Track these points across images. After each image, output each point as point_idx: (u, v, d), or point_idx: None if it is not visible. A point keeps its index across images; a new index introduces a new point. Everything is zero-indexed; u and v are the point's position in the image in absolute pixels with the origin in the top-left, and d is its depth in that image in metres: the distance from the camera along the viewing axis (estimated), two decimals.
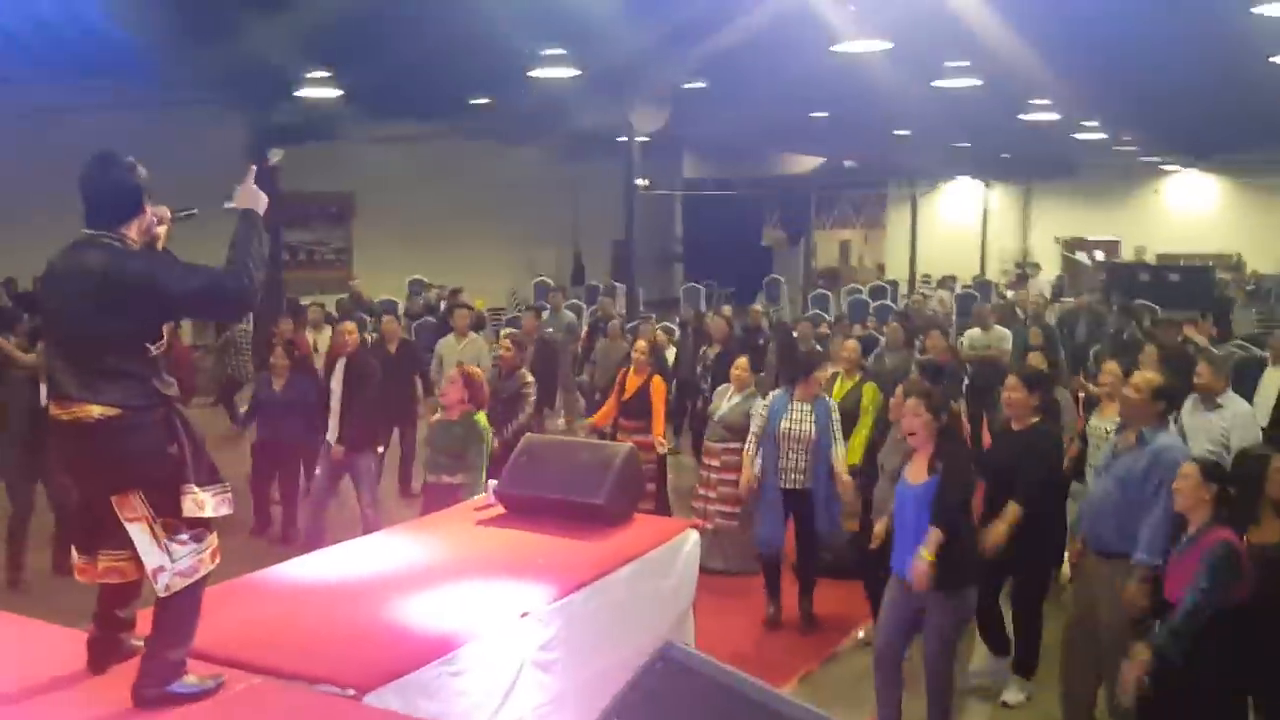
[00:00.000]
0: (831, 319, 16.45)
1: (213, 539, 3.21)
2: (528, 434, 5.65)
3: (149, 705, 3.08)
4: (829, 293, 19.78)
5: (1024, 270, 31.69)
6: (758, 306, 13.35)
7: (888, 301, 18.40)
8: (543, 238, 26.27)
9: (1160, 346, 8.10)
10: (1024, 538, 5.18)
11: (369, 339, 10.43)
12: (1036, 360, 7.03)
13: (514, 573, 4.30)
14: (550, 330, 11.81)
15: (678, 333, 12.09)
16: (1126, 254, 33.64)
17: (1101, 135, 23.10)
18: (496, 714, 3.73)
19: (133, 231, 3.16)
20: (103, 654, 3.32)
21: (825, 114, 18.62)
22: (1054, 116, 18.76)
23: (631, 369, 7.63)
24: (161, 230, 3.32)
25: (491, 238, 23.61)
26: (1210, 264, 30.50)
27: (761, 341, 10.56)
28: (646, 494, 7.02)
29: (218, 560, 3.23)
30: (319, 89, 13.93)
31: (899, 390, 5.48)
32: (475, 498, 5.49)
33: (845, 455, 6.40)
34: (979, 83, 14.43)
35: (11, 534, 6.83)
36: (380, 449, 7.32)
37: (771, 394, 6.66)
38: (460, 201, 22.14)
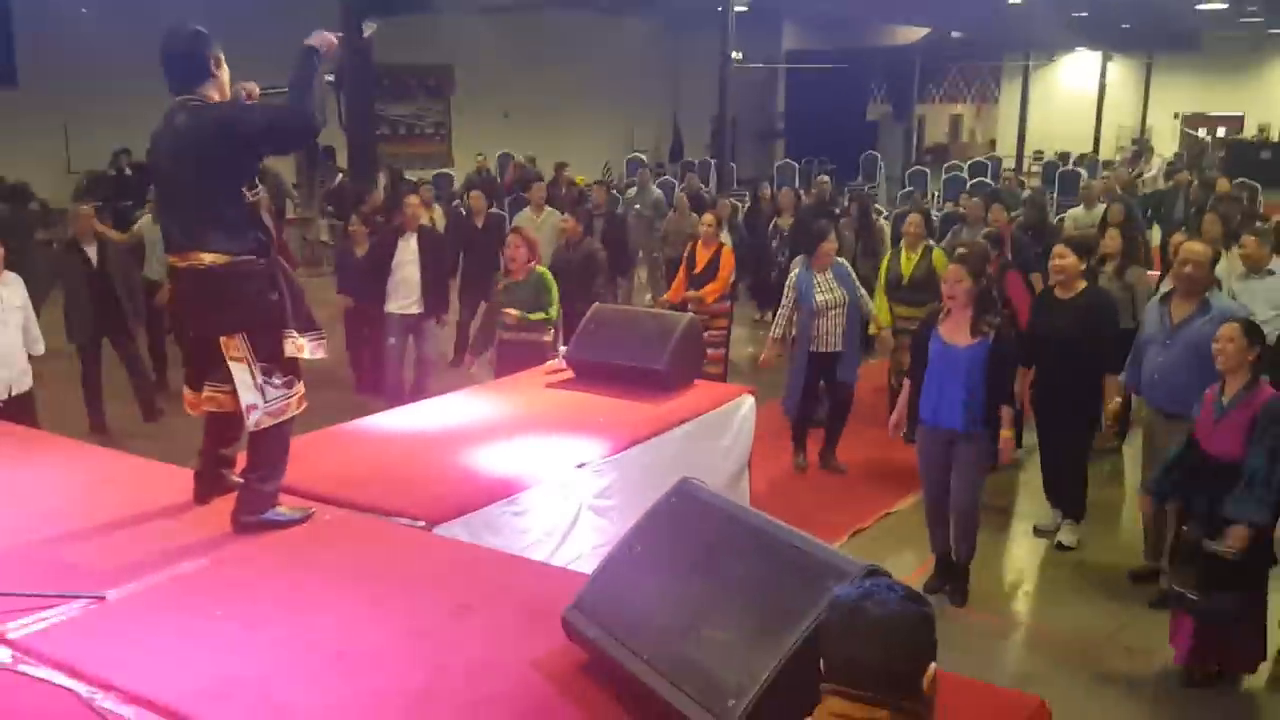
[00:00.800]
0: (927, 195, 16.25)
1: (300, 387, 3.62)
2: (596, 303, 5.94)
3: (246, 530, 3.54)
4: (927, 170, 19.39)
5: (1140, 148, 30.43)
6: (824, 177, 13.28)
7: (986, 179, 18.01)
8: (643, 113, 26.14)
9: (1221, 217, 7.97)
10: (1080, 394, 5.40)
11: (462, 211, 10.80)
12: (1112, 237, 7.02)
13: (576, 429, 4.65)
14: (638, 206, 11.97)
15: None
16: (1249, 131, 32.01)
17: (1225, 4, 21.78)
18: (555, 551, 4.13)
19: (212, 93, 3.50)
20: (207, 487, 3.79)
21: None
22: None
23: (700, 242, 7.85)
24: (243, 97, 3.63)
25: (590, 113, 23.62)
26: None
27: (837, 213, 10.57)
28: (714, 359, 7.39)
29: (304, 406, 3.65)
30: None
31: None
32: (548, 362, 5.86)
33: (874, 310, 7.02)
34: None
35: (86, 387, 7.45)
36: (444, 315, 7.80)
37: (794, 274, 6.93)
38: (559, 76, 22.12)
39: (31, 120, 14.84)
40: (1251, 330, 4.35)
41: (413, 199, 7.82)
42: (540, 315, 6.34)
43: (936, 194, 16.70)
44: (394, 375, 7.53)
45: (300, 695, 2.60)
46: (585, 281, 7.31)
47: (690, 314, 5.82)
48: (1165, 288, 6.14)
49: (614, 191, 13.47)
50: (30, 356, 5.97)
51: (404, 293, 7.55)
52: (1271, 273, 6.18)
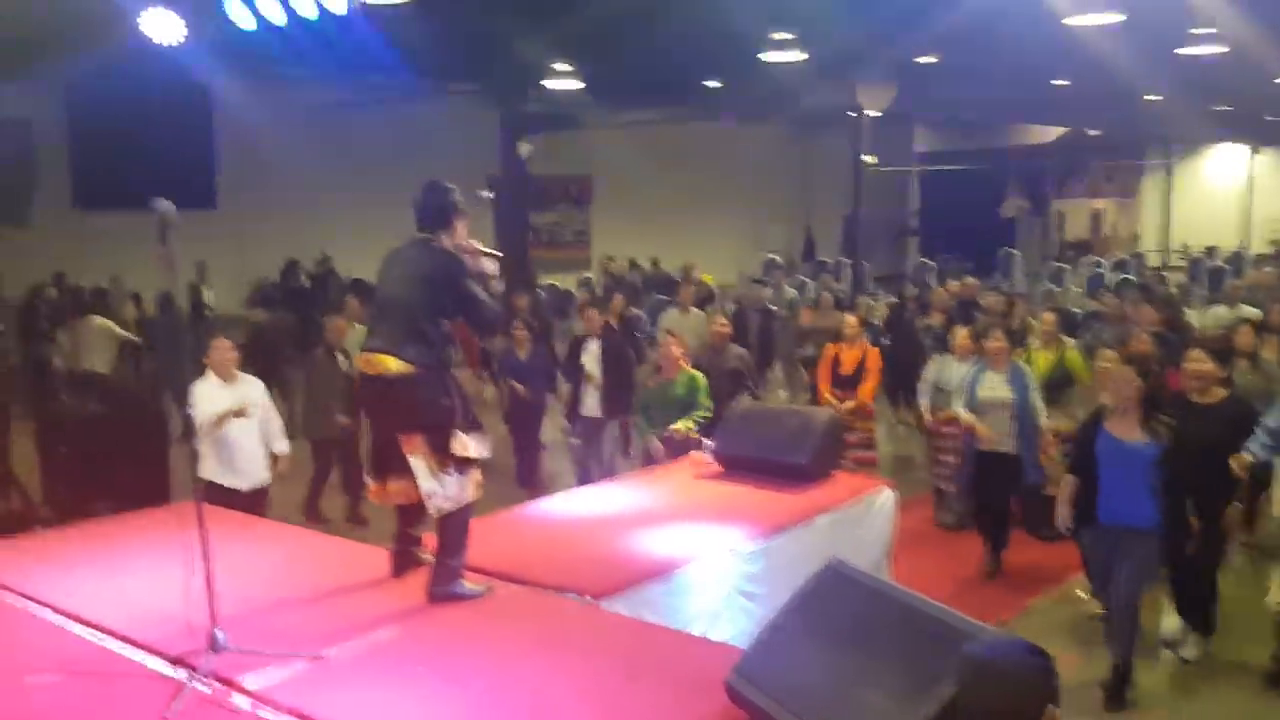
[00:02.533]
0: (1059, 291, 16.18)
1: (476, 474, 4.10)
2: (741, 399, 6.29)
3: (436, 600, 4.01)
4: (1066, 266, 19.26)
5: None
6: (971, 279, 13.40)
7: (1129, 275, 17.80)
8: (773, 215, 26.74)
9: None
10: (1217, 505, 5.41)
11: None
12: (1244, 333, 7.05)
13: (724, 517, 4.98)
14: (773, 307, 12.37)
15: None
16: None
17: None
18: (707, 632, 4.43)
19: (446, 239, 4.09)
20: (401, 564, 4.27)
21: (1065, 82, 18.20)
22: None
23: (844, 344, 8.02)
24: (471, 259, 4.20)
25: (722, 216, 24.31)
26: None
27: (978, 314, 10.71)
28: (867, 460, 7.51)
29: (480, 491, 4.13)
30: (562, 80, 15.04)
31: (1105, 353, 5.95)
32: (692, 456, 6.22)
33: (1044, 418, 6.69)
34: (1225, 49, 13.85)
35: (314, 483, 8.08)
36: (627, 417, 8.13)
37: (970, 369, 7.00)
38: (692, 182, 22.92)
39: (222, 240, 16.25)
40: None
41: (590, 311, 8.20)
42: (700, 416, 6.67)
43: (1079, 290, 16.57)
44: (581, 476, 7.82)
45: None
46: (734, 386, 7.52)
47: (830, 410, 6.10)
48: None
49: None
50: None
51: (588, 395, 7.88)
52: None
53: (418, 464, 3.96)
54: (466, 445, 4.03)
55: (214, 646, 3.40)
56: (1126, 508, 5.05)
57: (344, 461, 8.19)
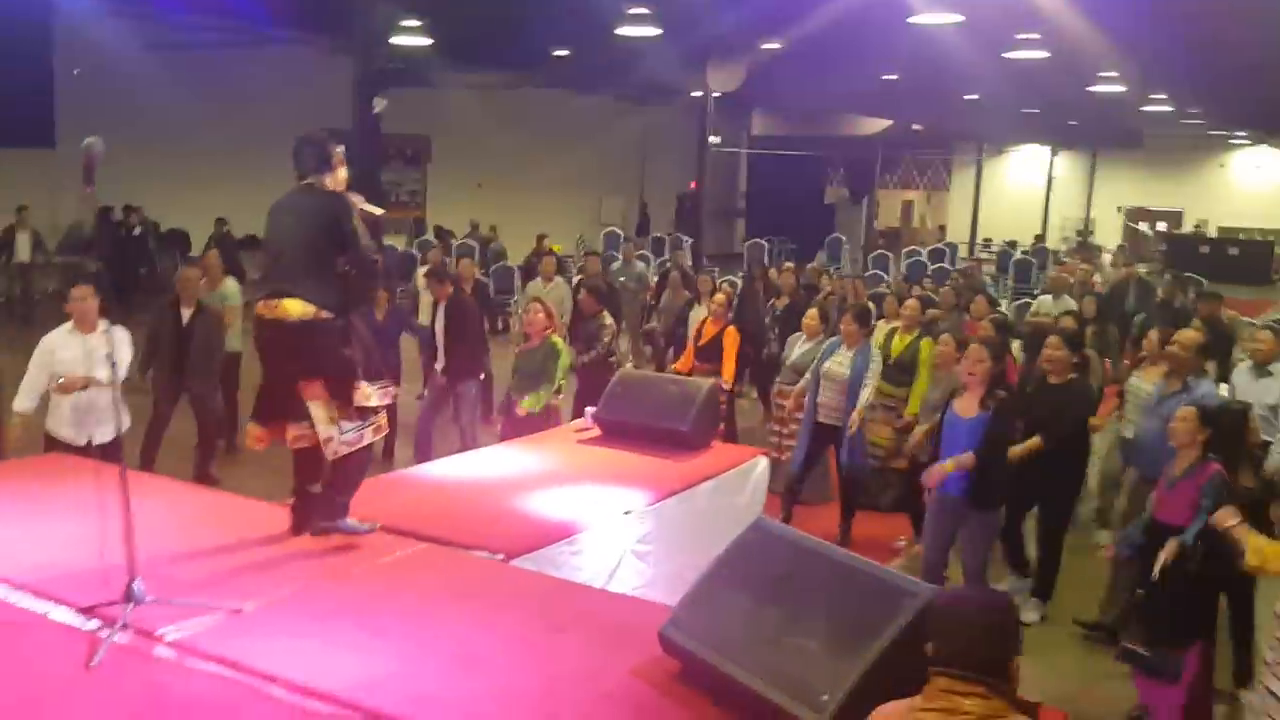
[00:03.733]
0: (890, 279, 17.09)
1: (378, 419, 4.12)
2: (622, 369, 6.46)
3: (322, 534, 4.09)
4: (889, 254, 20.33)
5: (1084, 239, 31.88)
6: (816, 264, 14.01)
7: (945, 264, 18.94)
8: (610, 187, 26.99)
9: (1204, 319, 8.73)
10: (1054, 474, 5.95)
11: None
12: (1069, 324, 7.70)
13: (616, 480, 5.14)
14: (622, 279, 12.57)
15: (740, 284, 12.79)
16: (1188, 226, 33.68)
17: (1169, 108, 23.20)
18: (604, 588, 4.59)
19: (328, 182, 4.05)
20: (301, 520, 4.23)
21: (895, 77, 19.07)
22: (1121, 89, 19.02)
23: (708, 319, 8.36)
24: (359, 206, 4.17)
25: (560, 185, 24.35)
26: (1271, 239, 30.55)
27: (822, 296, 11.24)
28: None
29: (382, 434, 4.19)
30: (411, 36, 14.73)
31: (944, 338, 6.36)
32: (574, 422, 6.35)
33: (866, 399, 6.91)
34: (1047, 55, 14.83)
35: (147, 438, 7.72)
36: (481, 376, 8.10)
37: (829, 342, 7.35)
38: (530, 148, 22.85)
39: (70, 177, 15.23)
40: (1207, 415, 4.93)
41: (437, 276, 8.14)
42: (546, 393, 6.79)
43: (899, 278, 17.52)
44: (423, 435, 7.79)
45: (437, 689, 3.05)
46: (597, 355, 7.66)
47: (711, 380, 6.34)
48: (1135, 377, 6.78)
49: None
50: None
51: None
52: (1271, 374, 6.58)
53: (317, 410, 3.99)
54: (369, 395, 4.05)
55: (132, 598, 3.32)
56: (959, 479, 5.41)
57: (199, 417, 7.91)
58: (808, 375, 7.24)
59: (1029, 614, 6.08)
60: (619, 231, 21.36)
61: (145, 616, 3.32)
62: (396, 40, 14.33)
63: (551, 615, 3.57)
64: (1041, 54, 14.81)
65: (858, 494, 7.18)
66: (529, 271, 14.33)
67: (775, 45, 15.62)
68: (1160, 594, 4.64)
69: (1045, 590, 6.19)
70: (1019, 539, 6.36)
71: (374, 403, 4.06)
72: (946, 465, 5.32)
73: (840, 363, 6.96)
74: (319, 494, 4.20)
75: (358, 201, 4.18)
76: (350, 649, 3.26)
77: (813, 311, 7.72)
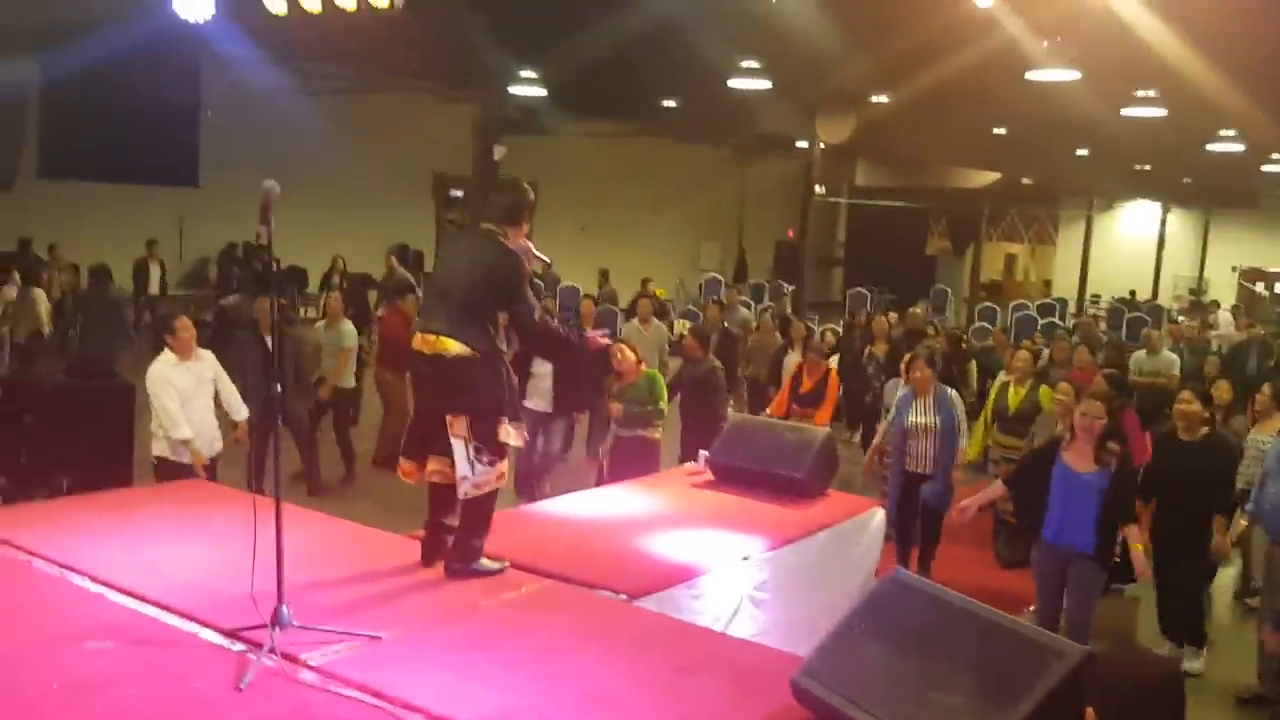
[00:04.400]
0: (993, 331, 16.82)
1: (503, 466, 4.23)
2: (735, 413, 6.48)
3: (456, 576, 4.17)
4: (996, 307, 20.03)
5: (1198, 298, 30.95)
6: (918, 309, 13.91)
7: (1055, 319, 18.56)
8: (708, 234, 27.18)
9: None
10: (1202, 533, 5.84)
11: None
12: (1223, 388, 7.56)
13: (733, 526, 5.15)
14: (726, 324, 12.60)
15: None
16: None
17: None
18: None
19: (513, 235, 4.22)
20: (431, 552, 4.33)
21: (1003, 131, 18.89)
22: (1240, 148, 18.55)
23: (805, 366, 8.45)
24: (530, 261, 4.32)
25: (660, 231, 24.61)
26: None
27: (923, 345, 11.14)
28: None
29: (503, 482, 4.29)
30: (528, 87, 15.13)
31: (1063, 386, 6.60)
32: (686, 465, 6.39)
33: (964, 447, 7.17)
34: (1164, 113, 14.57)
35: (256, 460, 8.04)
36: (579, 414, 8.28)
37: (898, 394, 7.42)
38: (633, 194, 23.18)
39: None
40: None
41: (587, 304, 8.35)
42: (652, 406, 6.95)
43: (1009, 331, 17.22)
44: (524, 468, 7.95)
45: None
46: (708, 399, 7.75)
47: (828, 428, 6.33)
48: (1253, 433, 6.63)
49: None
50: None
51: (538, 392, 8.03)
52: None
53: (458, 447, 4.09)
54: (509, 433, 4.18)
55: (279, 622, 3.43)
56: (1072, 532, 5.43)
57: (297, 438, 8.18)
58: (885, 426, 7.39)
59: (1194, 664, 6.06)
60: (719, 277, 21.43)
61: (291, 641, 3.42)
62: (515, 89, 14.76)
63: (678, 657, 3.58)
64: (1159, 111, 14.56)
65: (938, 530, 7.22)
66: (631, 314, 14.47)
67: (881, 97, 15.63)
68: None
69: (1200, 639, 6.18)
70: (1180, 605, 6.21)
71: (512, 441, 4.18)
72: (1137, 547, 5.41)
73: (921, 412, 7.07)
74: (452, 533, 4.30)
75: (528, 246, 4.32)
76: (484, 682, 3.32)
77: (920, 364, 7.65)
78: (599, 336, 4.90)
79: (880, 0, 9.36)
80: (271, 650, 3.36)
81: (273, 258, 4.04)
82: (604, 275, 18.84)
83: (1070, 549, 5.43)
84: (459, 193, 20.48)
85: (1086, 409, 5.44)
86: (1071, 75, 11.48)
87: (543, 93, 15.47)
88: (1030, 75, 11.67)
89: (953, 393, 7.36)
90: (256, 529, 3.48)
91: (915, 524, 7.28)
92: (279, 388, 3.89)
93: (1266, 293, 32.89)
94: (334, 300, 9.10)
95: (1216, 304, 25.26)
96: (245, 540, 3.55)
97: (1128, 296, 26.76)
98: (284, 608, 3.46)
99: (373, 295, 15.21)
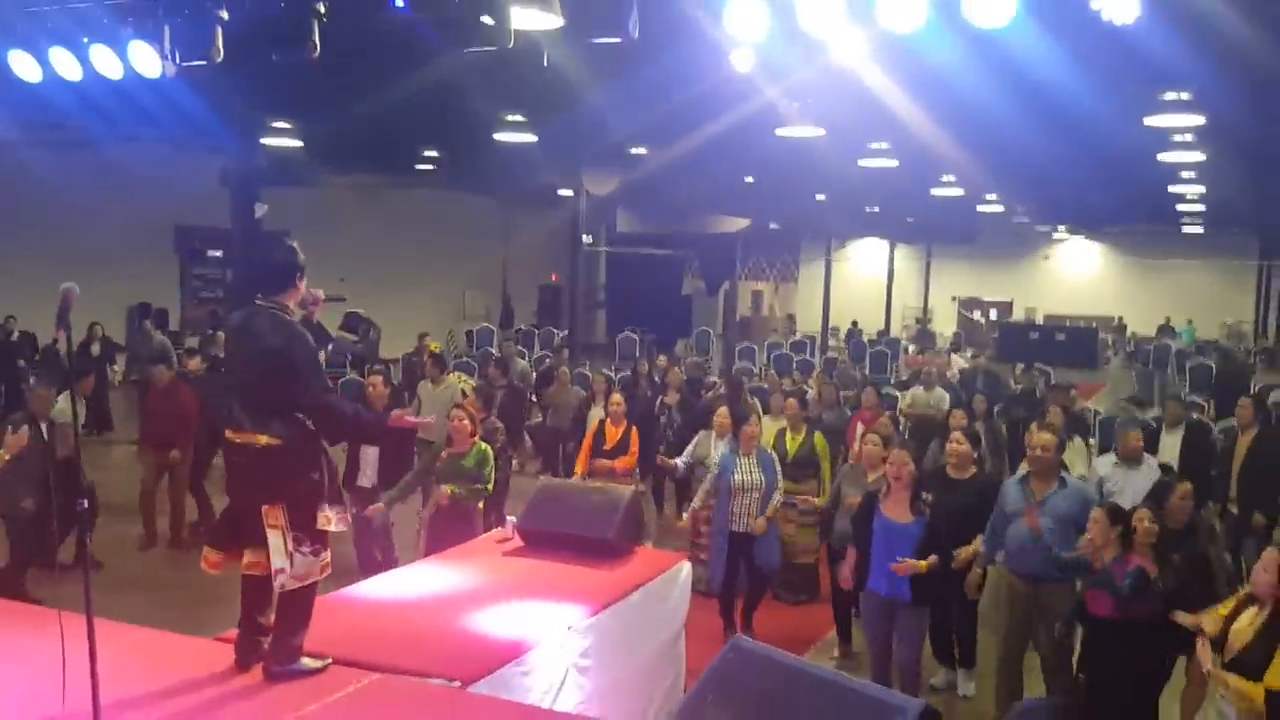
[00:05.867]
0: (757, 370, 17.64)
1: (326, 555, 4.12)
2: (543, 478, 6.52)
3: (275, 679, 3.98)
4: (754, 345, 20.99)
5: (923, 326, 33.61)
6: (697, 359, 14.41)
7: (808, 356, 19.68)
8: (473, 280, 27.06)
9: (1062, 407, 9.50)
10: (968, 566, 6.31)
11: None
12: (958, 419, 8.25)
13: (552, 594, 5.16)
14: (509, 380, 12.62)
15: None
16: (1018, 314, 35.93)
17: (1000, 208, 24.94)
18: (551, 708, 4.60)
19: (290, 301, 4.05)
20: (247, 653, 4.13)
21: (751, 180, 19.96)
22: (960, 192, 20.41)
23: (609, 421, 8.52)
24: (315, 309, 4.22)
25: (423, 280, 24.29)
26: (1095, 325, 32.87)
27: (705, 392, 11.57)
28: None
29: (327, 572, 4.16)
30: (282, 138, 14.67)
31: (871, 438, 6.79)
32: (493, 531, 6.36)
33: (778, 502, 7.27)
34: (896, 163, 15.85)
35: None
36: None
37: (719, 453, 7.57)
38: (393, 243, 22.80)
39: None
40: (1114, 512, 5.32)
41: (376, 380, 8.08)
42: (480, 486, 6.81)
43: (764, 369, 18.12)
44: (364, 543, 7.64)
45: None
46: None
47: (634, 487, 6.46)
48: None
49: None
50: None
51: (369, 463, 7.76)
52: (1141, 464, 7.28)
53: (274, 538, 3.95)
54: (330, 520, 4.06)
55: None
56: (896, 582, 5.72)
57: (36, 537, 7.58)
58: (706, 487, 7.46)
59: (967, 687, 6.62)
60: (490, 327, 21.37)
61: None
62: (268, 140, 14.28)
63: None
64: (891, 162, 15.81)
65: (764, 587, 7.43)
66: (409, 370, 14.24)
67: (644, 151, 16.21)
68: (1099, 680, 4.98)
69: (973, 662, 6.66)
70: (948, 633, 6.67)
71: (333, 527, 4.05)
72: (922, 565, 5.61)
73: (747, 471, 7.20)
74: (268, 633, 4.12)
75: (320, 295, 4.21)
76: None
77: (723, 410, 7.94)
78: (403, 415, 4.80)
79: (645, 63, 9.69)
80: None
81: (70, 356, 3.73)
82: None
83: (896, 599, 5.71)
84: (218, 252, 19.54)
85: (894, 459, 5.79)
86: (817, 132, 12.29)
87: (298, 143, 15.06)
88: (780, 132, 12.42)
89: (770, 451, 7.52)
90: (90, 654, 3.21)
91: (736, 583, 7.33)
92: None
93: (983, 319, 36.15)
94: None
95: (933, 335, 27.47)
96: (43, 660, 3.27)
97: (851, 326, 28.84)
98: None
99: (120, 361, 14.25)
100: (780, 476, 7.35)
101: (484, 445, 6.91)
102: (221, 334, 8.33)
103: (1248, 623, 4.54)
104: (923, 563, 5.62)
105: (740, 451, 7.28)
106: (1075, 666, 5.49)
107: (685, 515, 8.05)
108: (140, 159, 15.70)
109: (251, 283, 4.17)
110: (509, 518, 6.27)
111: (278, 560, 3.94)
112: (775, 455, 7.51)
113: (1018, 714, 5.28)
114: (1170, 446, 8.82)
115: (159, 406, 9.45)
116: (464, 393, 11.87)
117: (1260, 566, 4.53)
